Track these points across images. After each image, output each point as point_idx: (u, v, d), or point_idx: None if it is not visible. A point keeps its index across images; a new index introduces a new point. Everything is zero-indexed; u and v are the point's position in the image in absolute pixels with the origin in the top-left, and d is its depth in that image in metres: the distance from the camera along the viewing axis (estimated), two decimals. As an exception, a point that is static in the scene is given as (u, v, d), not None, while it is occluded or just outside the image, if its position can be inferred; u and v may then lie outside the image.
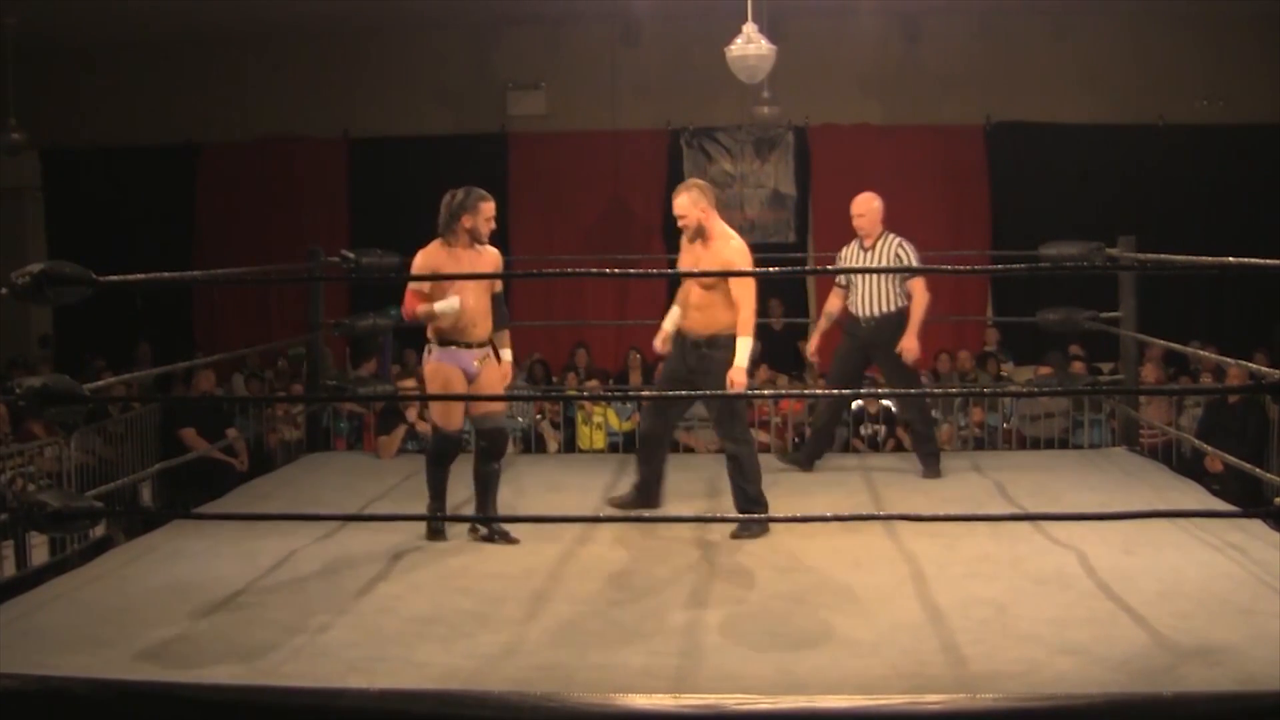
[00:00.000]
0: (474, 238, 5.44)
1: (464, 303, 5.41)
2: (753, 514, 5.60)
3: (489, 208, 5.48)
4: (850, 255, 7.02)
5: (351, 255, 7.27)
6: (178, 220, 12.62)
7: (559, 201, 12.13)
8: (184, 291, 12.80)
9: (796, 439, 9.03)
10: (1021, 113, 11.97)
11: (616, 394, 9.99)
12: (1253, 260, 3.75)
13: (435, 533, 5.49)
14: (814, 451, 7.15)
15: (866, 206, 7.00)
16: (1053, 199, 11.51)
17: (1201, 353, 7.24)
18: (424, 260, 5.42)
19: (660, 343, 5.94)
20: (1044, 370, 9.50)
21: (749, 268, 5.82)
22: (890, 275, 6.84)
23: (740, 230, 12.95)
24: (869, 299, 6.88)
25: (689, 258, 5.78)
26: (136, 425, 8.26)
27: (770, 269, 6.93)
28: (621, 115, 12.22)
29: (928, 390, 9.35)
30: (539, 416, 9.06)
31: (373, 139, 12.41)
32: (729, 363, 5.60)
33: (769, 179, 12.37)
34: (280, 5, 11.17)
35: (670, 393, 5.90)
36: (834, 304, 7.08)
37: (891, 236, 6.97)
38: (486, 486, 5.58)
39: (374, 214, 12.21)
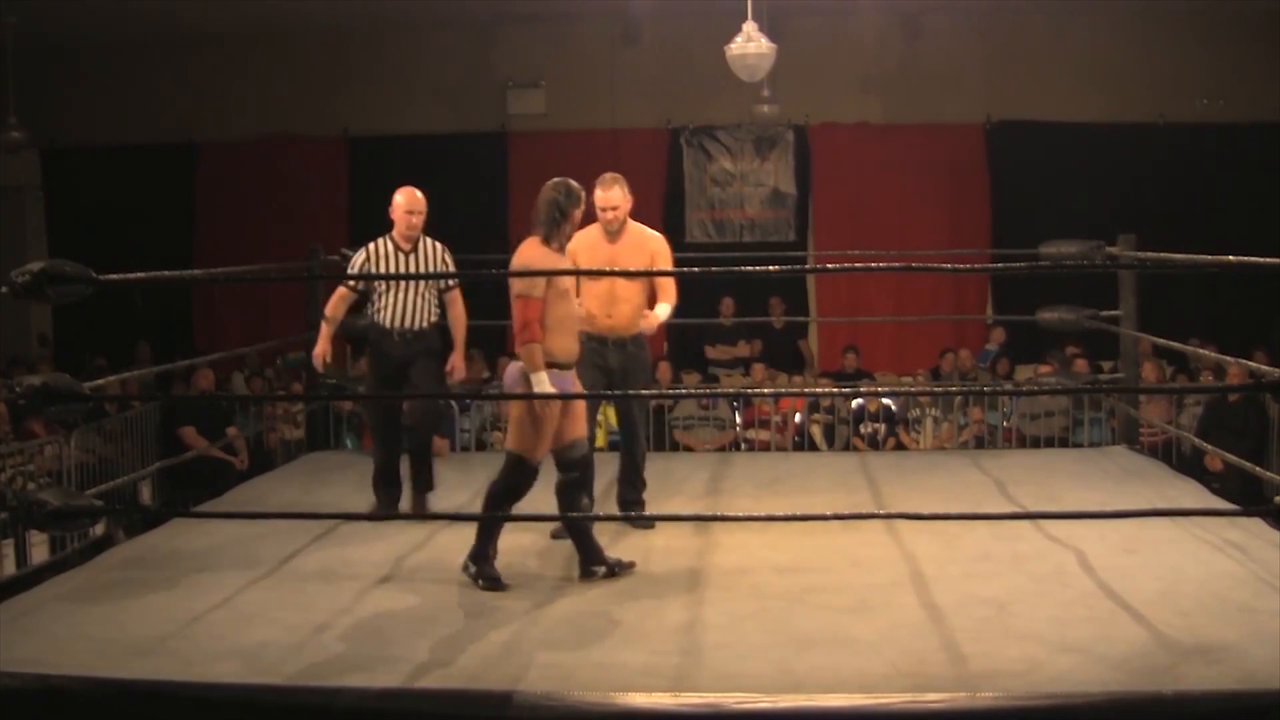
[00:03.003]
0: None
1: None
2: (635, 511, 5.74)
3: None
4: (387, 256, 5.98)
5: (351, 254, 7.28)
6: (177, 219, 12.62)
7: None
8: (184, 290, 12.79)
9: (797, 437, 9.04)
10: (1021, 111, 11.96)
11: (616, 394, 9.98)
12: (1253, 259, 3.75)
13: (492, 581, 4.73)
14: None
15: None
16: (1053, 198, 11.51)
17: (1201, 351, 7.24)
18: (529, 261, 4.83)
19: None
20: (1044, 369, 9.50)
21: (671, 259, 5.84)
22: (430, 285, 6.01)
23: (740, 229, 13.05)
24: (411, 311, 5.98)
25: (602, 254, 5.63)
26: (136, 424, 8.26)
27: (771, 267, 6.89)
28: (621, 114, 12.21)
29: (907, 390, 9.36)
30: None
31: (372, 138, 12.41)
32: (649, 359, 5.80)
33: (769, 178, 12.37)
34: (280, 5, 11.16)
35: (671, 392, 5.89)
36: (340, 308, 6.08)
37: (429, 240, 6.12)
38: (583, 530, 4.89)
39: (374, 213, 12.06)
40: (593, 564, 4.87)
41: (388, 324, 5.96)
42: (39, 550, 6.70)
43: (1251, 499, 6.73)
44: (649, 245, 5.77)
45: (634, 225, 5.80)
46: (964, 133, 12.09)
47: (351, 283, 6.07)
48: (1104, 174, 11.69)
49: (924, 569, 4.87)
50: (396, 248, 6.00)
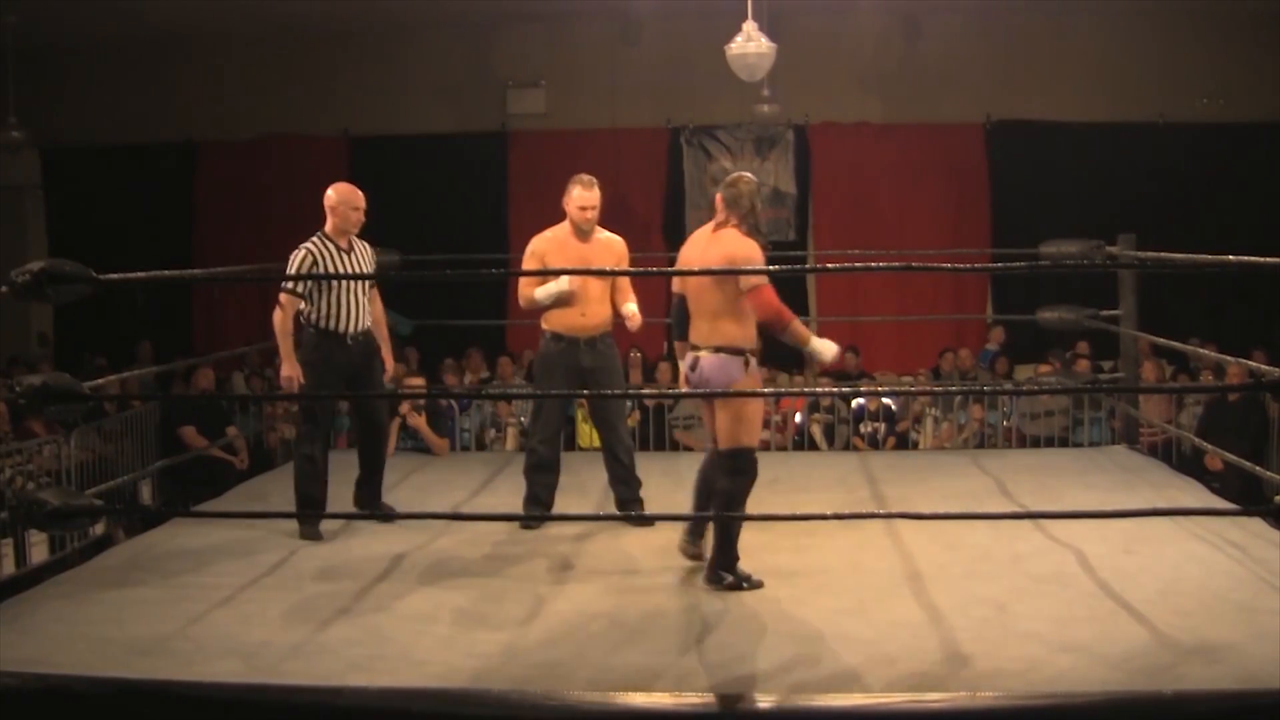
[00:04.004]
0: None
1: None
2: (633, 509, 5.76)
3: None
4: (331, 256, 5.67)
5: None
6: (178, 218, 12.62)
7: (559, 200, 12.10)
8: (184, 290, 12.79)
9: (797, 437, 9.03)
10: (1022, 111, 11.96)
11: (616, 393, 9.98)
12: (1253, 258, 3.75)
13: (754, 582, 4.64)
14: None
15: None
16: (1053, 197, 11.51)
17: (1202, 351, 7.24)
18: (754, 252, 4.74)
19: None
20: (1044, 369, 9.50)
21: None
22: (365, 287, 5.75)
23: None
24: (358, 312, 5.72)
25: (573, 253, 5.73)
26: (136, 423, 8.26)
27: (771, 267, 6.89)
28: (621, 113, 12.21)
29: (908, 390, 9.36)
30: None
31: (373, 137, 12.41)
32: (619, 358, 5.96)
33: (769, 177, 12.36)
34: (280, 5, 11.15)
35: (671, 392, 5.90)
36: (292, 321, 5.74)
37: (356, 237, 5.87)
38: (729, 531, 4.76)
39: (374, 212, 12.11)
40: (723, 569, 4.70)
41: (340, 328, 5.64)
42: (39, 550, 6.69)
43: (1251, 499, 6.74)
44: (615, 246, 5.90)
45: (598, 226, 5.91)
46: (964, 133, 12.08)
47: (299, 289, 5.59)
48: (1104, 174, 11.68)
49: (924, 569, 4.87)
50: (337, 248, 5.68)
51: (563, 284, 5.66)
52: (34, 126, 11.35)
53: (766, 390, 9.52)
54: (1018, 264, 9.22)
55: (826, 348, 4.77)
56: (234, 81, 12.44)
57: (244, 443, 9.16)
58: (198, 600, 4.52)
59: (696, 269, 4.78)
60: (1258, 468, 6.00)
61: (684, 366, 4.96)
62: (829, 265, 9.98)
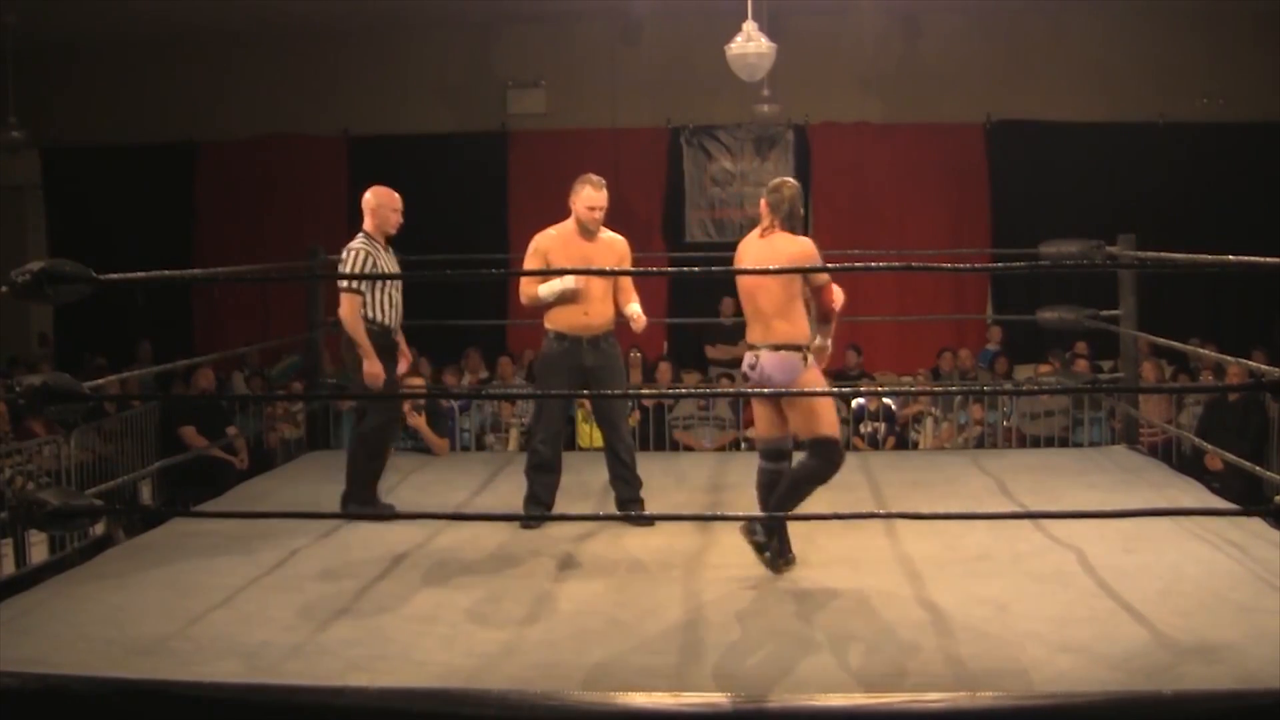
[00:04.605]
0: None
1: None
2: (634, 509, 5.77)
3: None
4: (379, 254, 5.94)
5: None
6: (177, 218, 12.62)
7: (559, 200, 12.02)
8: (184, 290, 12.79)
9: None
10: (1022, 111, 11.96)
11: (616, 393, 9.98)
12: (1253, 258, 3.75)
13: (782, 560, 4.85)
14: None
15: None
16: (1053, 197, 11.51)
17: (1202, 351, 7.24)
18: (813, 249, 4.97)
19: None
20: (1044, 369, 9.51)
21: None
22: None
23: (740, 228, 13.03)
24: (401, 308, 6.05)
25: (576, 252, 5.74)
26: (136, 423, 8.26)
27: (771, 267, 6.88)
28: (621, 113, 12.21)
29: (907, 390, 9.35)
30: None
31: (373, 137, 12.40)
32: (621, 356, 5.97)
33: (769, 177, 12.21)
34: (280, 5, 11.16)
35: (671, 392, 5.90)
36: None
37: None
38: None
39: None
40: (785, 556, 4.89)
41: (390, 323, 5.93)
42: (39, 550, 6.69)
43: (1251, 499, 6.74)
44: (617, 246, 5.90)
45: (602, 226, 5.92)
46: (964, 133, 12.08)
47: (359, 286, 5.79)
48: (1104, 174, 11.68)
49: (924, 569, 4.87)
50: (380, 247, 5.92)
51: (568, 283, 5.65)
52: (34, 126, 11.35)
53: (766, 390, 9.53)
54: (1018, 264, 9.23)
55: (826, 352, 5.00)
56: (234, 81, 12.44)
57: (244, 443, 9.16)
58: (198, 600, 4.51)
59: (755, 269, 4.95)
60: (1258, 468, 5.99)
61: (744, 365, 5.07)
62: (829, 265, 9.97)
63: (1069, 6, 11.55)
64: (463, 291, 11.10)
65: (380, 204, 5.95)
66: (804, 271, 4.85)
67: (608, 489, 6.01)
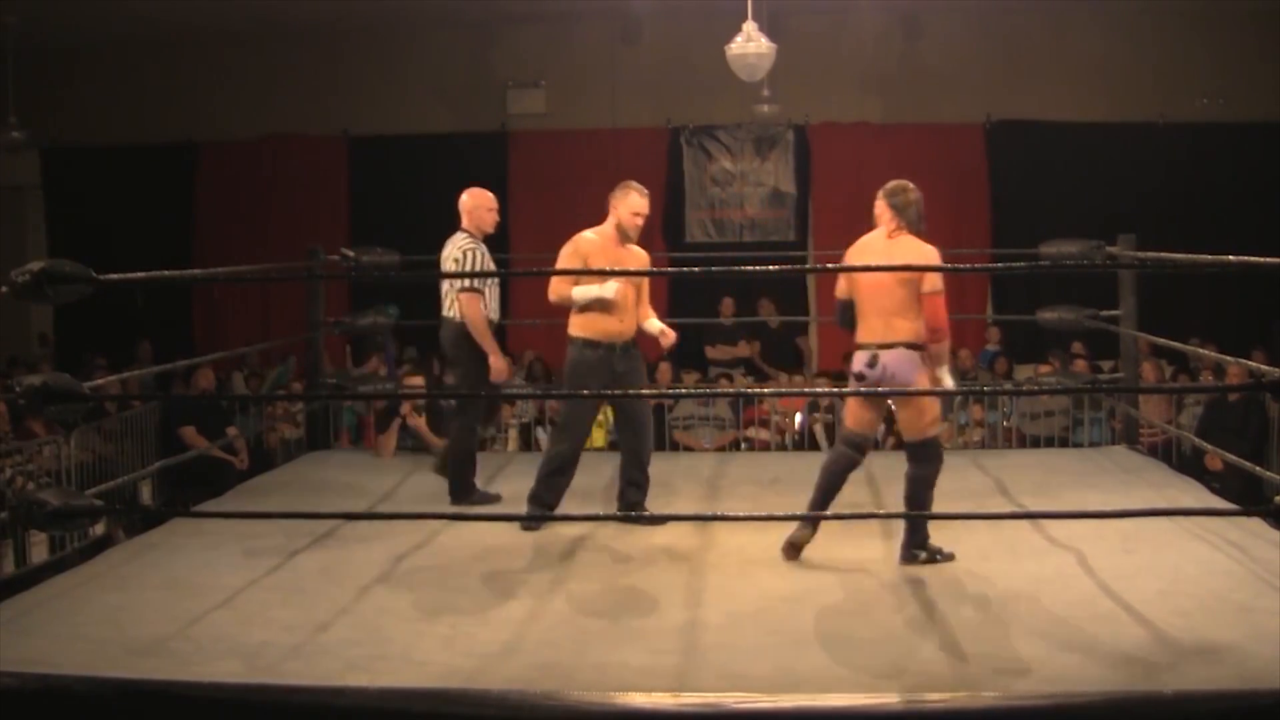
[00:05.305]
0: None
1: None
2: (638, 512, 5.74)
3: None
4: (485, 252, 6.19)
5: (351, 253, 7.29)
6: (177, 219, 12.62)
7: (559, 200, 12.11)
8: (184, 290, 12.79)
9: (797, 436, 9.04)
10: (1021, 111, 11.96)
11: (616, 393, 9.99)
12: (1253, 259, 3.74)
13: (946, 555, 4.93)
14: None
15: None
16: (1053, 197, 11.50)
17: (1202, 351, 7.24)
18: (937, 256, 5.08)
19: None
20: (1044, 369, 9.50)
21: None
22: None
23: (740, 229, 13.04)
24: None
25: (614, 258, 5.65)
26: (136, 423, 8.26)
27: (770, 266, 6.88)
28: (621, 113, 12.21)
29: (907, 390, 9.34)
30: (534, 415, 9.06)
31: (373, 137, 12.41)
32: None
33: (769, 177, 12.37)
34: (280, 5, 11.16)
35: (670, 392, 5.89)
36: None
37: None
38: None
39: (374, 212, 12.20)
40: (915, 547, 4.95)
41: (497, 319, 6.19)
42: (39, 550, 6.70)
43: (1251, 499, 6.73)
44: (641, 257, 5.88)
45: None
46: (964, 133, 12.08)
47: (477, 284, 5.99)
48: (1104, 174, 11.68)
49: (924, 569, 4.87)
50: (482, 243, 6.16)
51: (608, 290, 5.57)
52: (34, 126, 11.35)
53: (766, 390, 9.54)
54: (1018, 264, 9.22)
55: (949, 381, 5.13)
56: (234, 81, 12.44)
57: (244, 443, 9.16)
58: (198, 600, 4.51)
59: (868, 268, 5.04)
60: (1258, 468, 5.99)
61: (857, 364, 5.07)
62: (829, 265, 9.96)
63: (1069, 6, 11.55)
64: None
65: (476, 205, 6.19)
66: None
67: (608, 489, 6.00)
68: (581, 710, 3.34)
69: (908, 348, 4.95)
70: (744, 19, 8.21)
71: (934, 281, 4.92)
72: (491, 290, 6.13)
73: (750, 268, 4.47)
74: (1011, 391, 9.09)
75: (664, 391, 8.94)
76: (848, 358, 5.38)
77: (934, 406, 5.09)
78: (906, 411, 5.04)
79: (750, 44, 8.23)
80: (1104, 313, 7.42)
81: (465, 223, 6.19)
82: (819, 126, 12.26)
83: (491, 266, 6.19)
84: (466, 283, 5.95)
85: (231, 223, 12.53)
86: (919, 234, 5.03)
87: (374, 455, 7.55)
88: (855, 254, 5.17)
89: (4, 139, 11.06)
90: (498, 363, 6.02)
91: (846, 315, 5.15)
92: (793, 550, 5.00)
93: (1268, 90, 11.28)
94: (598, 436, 8.80)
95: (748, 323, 11.29)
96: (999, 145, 12.09)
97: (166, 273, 9.16)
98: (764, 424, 9.12)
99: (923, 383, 4.94)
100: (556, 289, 5.76)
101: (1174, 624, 4.10)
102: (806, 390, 9.78)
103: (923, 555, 4.90)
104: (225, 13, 11.17)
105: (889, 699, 3.41)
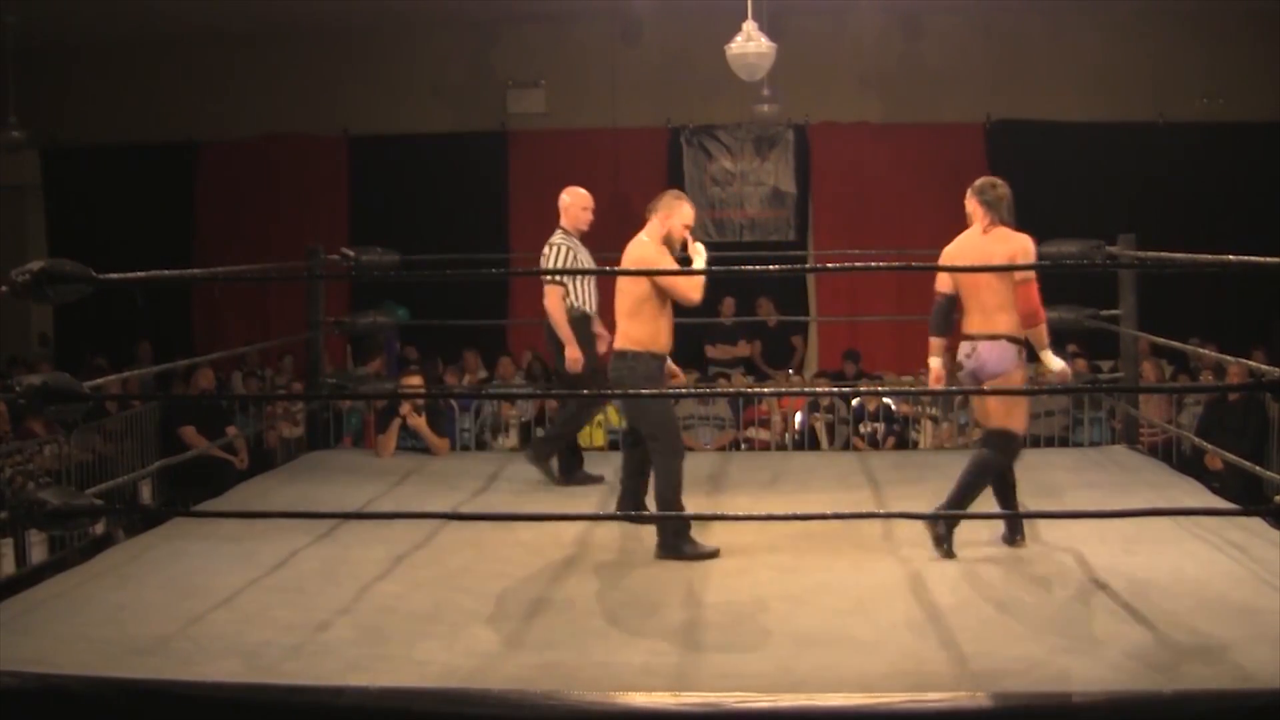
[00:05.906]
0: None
1: None
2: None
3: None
4: (577, 249, 6.53)
5: (351, 253, 7.30)
6: (177, 218, 12.62)
7: (559, 200, 12.12)
8: (184, 290, 12.79)
9: (797, 436, 9.03)
10: (1021, 111, 11.96)
11: (616, 393, 9.99)
12: (1253, 259, 3.74)
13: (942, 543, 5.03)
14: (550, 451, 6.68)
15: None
16: (1053, 197, 11.47)
17: (1202, 351, 7.24)
18: (1033, 246, 5.27)
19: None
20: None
21: None
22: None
23: (740, 228, 13.03)
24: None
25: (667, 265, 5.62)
26: (136, 423, 8.26)
27: (771, 267, 6.89)
28: (621, 113, 12.21)
29: (907, 390, 9.35)
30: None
31: (372, 137, 12.41)
32: None
33: (769, 177, 12.36)
34: (280, 5, 11.16)
35: (670, 392, 5.89)
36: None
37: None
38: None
39: (374, 212, 12.20)
40: (1016, 533, 5.14)
41: (592, 310, 6.46)
42: (39, 550, 6.70)
43: (1251, 499, 6.73)
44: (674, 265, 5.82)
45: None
46: (964, 133, 12.07)
47: (563, 278, 6.31)
48: (1104, 174, 11.68)
49: (924, 569, 4.87)
50: (578, 241, 6.45)
51: (700, 257, 5.56)
52: (34, 126, 11.35)
53: (767, 390, 9.53)
54: (1017, 264, 9.19)
55: (1056, 362, 5.18)
56: (234, 81, 12.44)
57: (244, 443, 9.16)
58: (198, 600, 4.51)
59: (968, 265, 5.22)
60: (1258, 468, 5.99)
61: (960, 354, 5.25)
62: (829, 265, 9.99)
63: (1069, 7, 11.55)
64: (462, 291, 11.09)
65: (573, 203, 6.50)
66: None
67: (609, 489, 6.00)
68: (581, 710, 3.34)
69: (1007, 340, 5.10)
70: (744, 19, 8.21)
71: (1026, 271, 5.10)
72: (585, 285, 6.43)
73: (750, 267, 4.48)
74: (1012, 391, 9.06)
75: (664, 391, 8.92)
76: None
77: (1023, 404, 5.24)
78: (994, 402, 5.18)
79: (750, 44, 8.23)
80: (1104, 312, 7.42)
81: (563, 220, 6.49)
82: (819, 126, 12.25)
83: (583, 263, 6.45)
84: (557, 277, 6.29)
85: (231, 223, 12.53)
86: (1012, 226, 5.19)
87: (375, 455, 7.55)
88: (954, 253, 5.34)
89: (4, 139, 11.06)
90: (571, 353, 6.30)
91: (940, 313, 5.34)
92: (941, 544, 5.03)
93: (1267, 90, 11.29)
94: (598, 436, 8.81)
95: (747, 322, 11.29)
96: (999, 145, 12.07)
97: (166, 273, 9.17)
98: (764, 424, 9.12)
99: (1017, 378, 5.12)
100: (696, 289, 5.50)
101: (1174, 623, 4.10)
102: (806, 390, 9.78)
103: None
104: (225, 13, 11.17)
105: (889, 699, 3.40)
